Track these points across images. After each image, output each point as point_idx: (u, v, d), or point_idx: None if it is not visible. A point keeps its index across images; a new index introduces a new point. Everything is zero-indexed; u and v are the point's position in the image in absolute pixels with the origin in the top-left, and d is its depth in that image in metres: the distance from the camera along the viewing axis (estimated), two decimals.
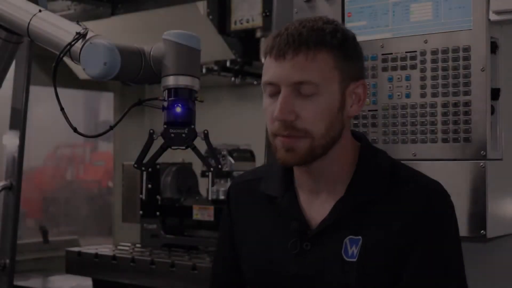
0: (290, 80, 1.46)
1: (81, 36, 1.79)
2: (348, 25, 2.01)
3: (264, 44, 1.53)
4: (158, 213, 3.83)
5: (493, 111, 1.84)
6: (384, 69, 1.95)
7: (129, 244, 3.95)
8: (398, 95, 1.93)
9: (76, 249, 3.85)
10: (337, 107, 1.49)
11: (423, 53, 1.89)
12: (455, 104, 1.84)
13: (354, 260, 1.49)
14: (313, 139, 1.48)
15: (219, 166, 1.75)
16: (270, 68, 1.50)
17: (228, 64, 4.02)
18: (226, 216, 1.74)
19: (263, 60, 1.56)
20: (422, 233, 1.48)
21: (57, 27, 1.90)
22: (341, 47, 1.49)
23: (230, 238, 1.71)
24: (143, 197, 3.83)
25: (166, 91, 1.73)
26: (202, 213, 3.63)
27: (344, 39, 1.50)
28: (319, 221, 1.54)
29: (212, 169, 1.75)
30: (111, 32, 3.56)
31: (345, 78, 1.50)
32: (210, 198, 3.61)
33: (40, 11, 1.96)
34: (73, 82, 4.58)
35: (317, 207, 1.56)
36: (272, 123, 1.50)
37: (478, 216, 1.79)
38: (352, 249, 1.50)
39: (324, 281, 1.51)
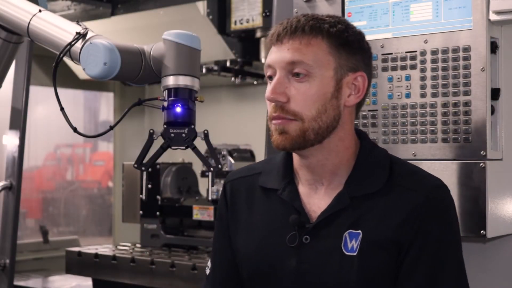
0: (284, 60, 1.50)
1: (81, 36, 1.80)
2: None
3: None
4: (158, 213, 3.83)
5: (493, 111, 1.84)
6: (384, 69, 1.95)
7: (129, 244, 3.95)
8: (398, 95, 1.92)
9: (76, 249, 3.85)
10: (330, 92, 1.51)
11: (423, 53, 1.89)
12: (455, 104, 1.83)
13: (354, 254, 1.49)
14: (303, 122, 1.49)
15: (219, 166, 1.75)
16: (270, 54, 1.54)
17: (228, 64, 4.02)
18: (223, 212, 1.70)
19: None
20: (421, 228, 1.48)
21: (57, 27, 1.90)
22: (338, 36, 1.52)
23: (227, 234, 1.68)
24: (143, 197, 3.81)
25: (166, 91, 1.73)
26: (202, 213, 3.63)
27: (343, 30, 1.53)
28: (318, 215, 1.54)
29: (212, 169, 1.74)
30: (111, 32, 3.56)
31: (341, 66, 1.52)
32: (210, 198, 3.57)
33: (40, 11, 1.96)
34: (73, 82, 4.59)
35: (316, 201, 1.56)
36: (269, 106, 1.53)
37: (478, 216, 1.79)
38: (352, 243, 1.50)
39: (323, 275, 1.51)
